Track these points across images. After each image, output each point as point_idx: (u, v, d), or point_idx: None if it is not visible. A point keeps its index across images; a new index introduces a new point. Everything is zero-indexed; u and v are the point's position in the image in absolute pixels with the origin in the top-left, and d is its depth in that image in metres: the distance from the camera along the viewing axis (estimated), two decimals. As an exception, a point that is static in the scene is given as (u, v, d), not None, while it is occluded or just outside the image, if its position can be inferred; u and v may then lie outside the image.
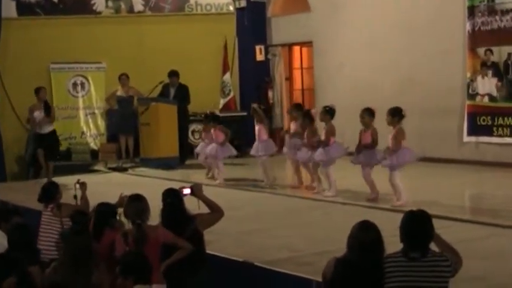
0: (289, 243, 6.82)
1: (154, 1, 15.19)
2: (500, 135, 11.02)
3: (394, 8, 12.33)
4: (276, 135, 14.21)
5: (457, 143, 11.54)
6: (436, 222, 4.29)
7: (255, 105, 10.76)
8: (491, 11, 11.00)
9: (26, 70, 14.01)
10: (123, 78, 13.44)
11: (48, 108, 11.72)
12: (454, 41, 11.44)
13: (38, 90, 11.78)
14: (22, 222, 5.84)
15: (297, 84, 14.85)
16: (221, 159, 10.79)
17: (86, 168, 13.05)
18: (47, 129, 11.66)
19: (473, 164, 11.03)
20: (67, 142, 14.40)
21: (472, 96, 11.37)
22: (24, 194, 9.86)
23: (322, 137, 9.16)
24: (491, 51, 11.08)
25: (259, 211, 8.67)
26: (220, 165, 10.75)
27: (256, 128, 10.38)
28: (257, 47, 14.72)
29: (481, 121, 11.26)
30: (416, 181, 9.37)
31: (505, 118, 10.94)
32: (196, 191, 5.79)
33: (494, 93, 11.09)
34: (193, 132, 13.97)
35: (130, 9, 15.21)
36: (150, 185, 9.81)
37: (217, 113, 11.70)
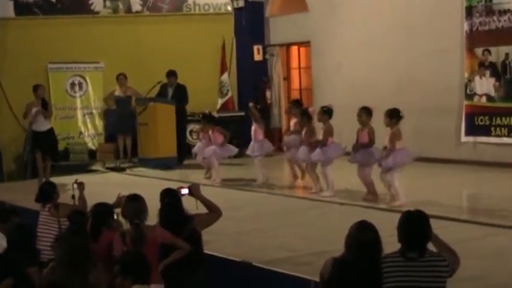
0: (287, 243, 6.83)
1: (152, 1, 15.18)
2: (498, 135, 11.03)
3: (392, 7, 12.33)
4: (273, 135, 14.26)
5: (454, 143, 11.55)
6: (433, 222, 4.30)
7: (251, 105, 10.76)
8: (489, 11, 11.01)
9: (23, 70, 13.99)
10: (121, 78, 13.43)
11: (45, 105, 11.68)
12: (452, 40, 11.46)
13: (36, 88, 11.70)
14: (21, 222, 5.83)
15: (295, 84, 14.86)
16: (220, 160, 10.79)
17: (84, 168, 13.03)
18: (44, 127, 11.58)
19: (471, 164, 11.04)
20: (65, 142, 14.37)
21: (469, 96, 11.39)
22: (21, 194, 9.86)
23: (320, 137, 9.17)
24: (489, 51, 11.10)
25: (257, 211, 8.67)
26: (218, 167, 10.73)
27: (252, 127, 10.39)
28: (255, 47, 14.73)
29: (478, 121, 11.28)
30: (414, 181, 9.38)
31: (503, 118, 10.96)
32: (194, 191, 5.79)
33: (492, 93, 11.11)
34: (191, 132, 13.97)
35: (128, 9, 15.20)
36: (148, 185, 9.80)
37: (214, 114, 11.67)
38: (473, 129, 11.32)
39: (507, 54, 10.85)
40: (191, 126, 13.86)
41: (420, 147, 10.25)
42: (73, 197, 6.72)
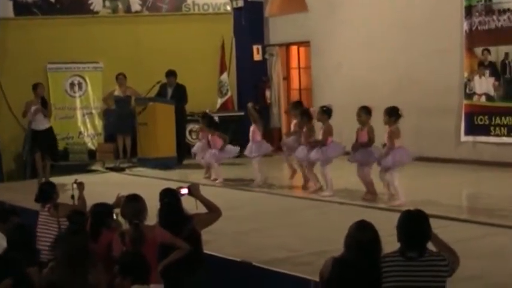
0: (286, 243, 6.83)
1: (152, 1, 15.18)
2: (497, 135, 11.03)
3: (392, 7, 12.33)
4: (273, 134, 14.26)
5: (454, 143, 11.55)
6: (433, 222, 4.30)
7: (249, 106, 10.76)
8: (489, 11, 11.01)
9: (23, 70, 13.98)
10: (121, 78, 13.43)
11: (45, 104, 11.67)
12: (452, 40, 11.46)
13: (35, 86, 11.66)
14: (20, 222, 5.83)
15: (295, 84, 14.85)
16: (219, 162, 10.79)
17: (84, 168, 13.03)
18: (43, 126, 11.57)
19: (471, 164, 11.04)
20: (64, 142, 14.37)
21: (469, 95, 11.39)
22: (21, 193, 9.85)
23: (320, 137, 9.17)
24: (488, 51, 11.10)
25: (257, 211, 8.67)
26: (217, 167, 10.73)
27: (251, 128, 10.41)
28: (254, 47, 14.72)
29: (478, 121, 11.28)
30: (414, 181, 9.37)
31: (502, 118, 10.96)
32: (193, 190, 5.79)
33: (492, 92, 11.11)
34: (190, 132, 13.96)
35: (128, 9, 15.19)
36: (147, 185, 9.80)
37: (215, 117, 11.63)
38: (472, 128, 11.32)
39: (507, 54, 10.85)
40: (190, 126, 13.86)
41: (420, 146, 10.26)
42: (72, 197, 6.72)
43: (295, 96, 14.63)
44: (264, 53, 14.74)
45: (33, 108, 11.43)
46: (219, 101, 14.79)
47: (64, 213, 6.24)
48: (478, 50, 11.22)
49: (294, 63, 14.85)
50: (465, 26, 11.31)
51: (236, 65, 15.08)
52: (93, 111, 14.94)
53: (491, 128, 11.10)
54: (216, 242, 6.57)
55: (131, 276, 4.34)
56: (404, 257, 4.11)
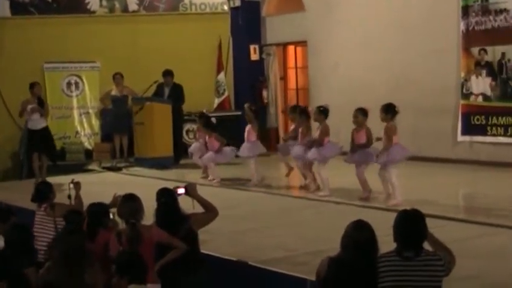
0: (283, 243, 6.83)
1: (149, 0, 15.18)
2: (494, 135, 11.04)
3: (389, 7, 12.34)
4: (270, 134, 14.27)
5: (451, 143, 11.56)
6: (430, 222, 4.30)
7: (246, 106, 10.77)
8: (485, 11, 11.03)
9: (19, 69, 13.97)
10: (118, 77, 13.41)
11: (41, 103, 11.65)
12: (448, 40, 11.47)
13: (32, 86, 11.63)
14: (18, 222, 5.82)
15: (292, 84, 14.85)
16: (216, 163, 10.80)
17: (80, 168, 13.03)
18: (40, 125, 11.56)
19: (467, 164, 11.05)
20: (61, 142, 14.36)
21: (466, 95, 11.40)
22: (17, 193, 9.83)
23: (316, 136, 9.19)
24: (485, 50, 11.11)
25: (254, 210, 8.67)
26: (214, 167, 10.72)
27: (246, 128, 10.42)
28: (251, 47, 14.72)
29: (475, 120, 11.29)
30: (411, 180, 9.38)
31: (499, 117, 10.97)
32: (190, 190, 5.79)
33: (488, 92, 11.12)
34: (187, 131, 13.96)
35: (125, 9, 15.19)
36: (144, 184, 9.79)
37: (212, 118, 11.61)
38: (469, 128, 11.34)
39: (503, 54, 10.87)
40: (187, 126, 13.86)
41: (417, 146, 10.26)
42: (69, 196, 6.71)
43: (292, 96, 14.66)
44: (261, 52, 14.74)
45: (29, 107, 11.42)
46: (216, 101, 14.79)
47: (60, 213, 6.23)
48: (475, 50, 11.24)
49: (291, 63, 14.85)
50: (462, 26, 11.33)
51: (233, 65, 15.08)
52: (90, 110, 14.94)
53: (488, 128, 11.11)
54: (213, 241, 6.57)
55: (128, 275, 4.34)
56: (401, 256, 4.12)
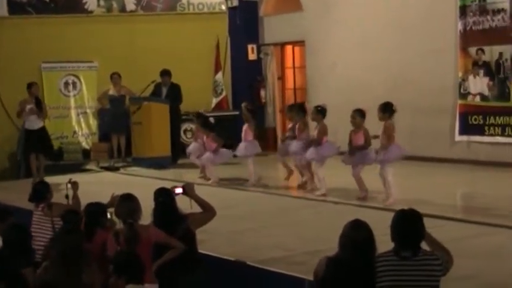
0: (281, 243, 6.82)
1: (146, 0, 15.16)
2: (491, 135, 11.05)
3: (387, 7, 12.34)
4: (268, 134, 14.27)
5: (448, 142, 11.57)
6: (428, 221, 4.31)
7: (243, 105, 10.77)
8: (483, 11, 11.04)
9: (17, 69, 13.94)
10: (115, 77, 13.40)
11: (39, 103, 11.64)
12: (446, 40, 11.48)
13: (30, 86, 11.62)
14: (16, 222, 5.81)
15: (289, 84, 14.85)
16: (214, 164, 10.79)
17: (78, 168, 13.02)
18: (37, 125, 11.54)
19: (465, 163, 11.06)
20: (59, 141, 14.34)
21: (463, 95, 11.41)
22: (15, 193, 9.83)
23: (314, 135, 9.19)
24: (482, 50, 11.12)
25: (252, 210, 8.67)
26: (212, 170, 10.71)
27: (243, 127, 10.42)
28: (249, 46, 14.72)
29: (472, 120, 11.30)
30: (408, 180, 9.39)
31: (497, 117, 10.98)
32: (188, 190, 5.78)
33: (486, 92, 11.13)
34: (185, 131, 13.95)
35: (122, 9, 15.16)
36: (142, 184, 9.79)
37: (210, 117, 11.59)
38: (467, 128, 11.34)
39: (501, 54, 10.88)
40: (185, 126, 13.85)
41: (414, 146, 10.27)
42: (67, 196, 6.70)
43: (289, 96, 14.66)
44: (258, 52, 14.75)
45: (28, 107, 11.40)
46: (214, 101, 14.78)
47: (58, 212, 6.22)
48: (473, 50, 11.25)
49: (288, 62, 14.86)
50: (459, 26, 11.33)
51: (231, 65, 15.08)
52: (88, 110, 14.91)
53: (486, 128, 11.12)
54: (211, 241, 6.57)
55: (125, 275, 4.33)
56: (398, 256, 4.12)
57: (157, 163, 12.33)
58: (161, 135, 12.46)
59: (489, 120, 11.07)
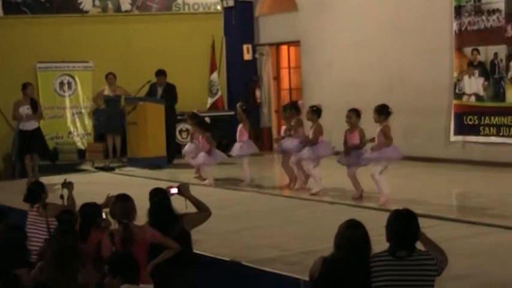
0: (277, 242, 6.82)
1: (142, 0, 15.14)
2: (486, 135, 11.08)
3: (382, 7, 12.36)
4: (263, 134, 14.27)
5: (444, 142, 11.59)
6: (422, 221, 4.32)
7: (238, 105, 10.77)
8: (478, 11, 11.06)
9: (12, 69, 13.91)
10: (110, 77, 13.39)
11: (35, 104, 11.60)
12: (441, 40, 11.49)
13: (25, 86, 11.54)
14: (12, 222, 5.80)
15: (285, 84, 14.86)
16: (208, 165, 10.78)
17: (73, 168, 12.99)
18: (32, 126, 11.52)
19: (460, 163, 11.08)
20: (54, 142, 14.31)
21: (458, 95, 11.43)
22: (10, 193, 9.80)
23: (310, 136, 9.20)
24: (478, 51, 11.14)
25: (247, 210, 8.66)
26: (208, 170, 10.70)
27: (238, 127, 10.42)
28: (245, 46, 14.72)
29: (467, 120, 11.32)
30: (403, 180, 9.40)
31: (492, 117, 11.00)
32: (183, 190, 5.78)
33: (481, 92, 11.15)
34: (180, 131, 13.93)
35: (118, 9, 15.15)
36: (137, 184, 9.78)
37: (206, 118, 11.56)
38: (462, 128, 11.37)
39: (496, 54, 10.90)
40: (181, 126, 13.82)
41: (410, 146, 10.29)
42: (62, 196, 6.69)
43: (285, 96, 14.65)
44: (254, 52, 14.74)
45: (25, 112, 11.36)
46: (209, 101, 14.78)
47: (53, 213, 6.22)
48: (468, 50, 11.27)
49: (284, 62, 14.86)
50: (455, 26, 11.35)
51: (226, 65, 15.07)
52: (83, 110, 14.89)
53: (481, 128, 11.14)
54: (206, 241, 6.56)
55: (121, 276, 4.33)
56: (394, 256, 4.12)
57: (153, 163, 12.32)
58: (156, 135, 12.45)
59: (484, 120, 11.09)
